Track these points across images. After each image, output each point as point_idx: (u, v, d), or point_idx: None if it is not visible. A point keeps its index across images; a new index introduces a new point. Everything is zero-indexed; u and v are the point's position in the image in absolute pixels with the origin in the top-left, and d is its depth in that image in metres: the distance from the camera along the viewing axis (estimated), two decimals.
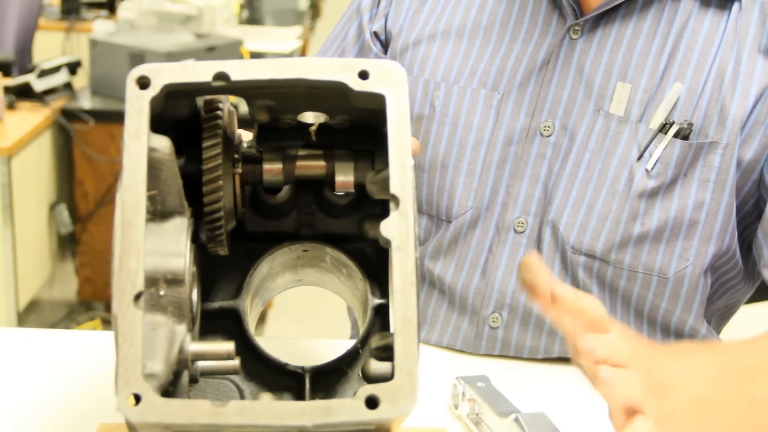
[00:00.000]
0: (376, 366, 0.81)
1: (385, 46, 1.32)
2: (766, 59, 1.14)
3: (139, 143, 0.76)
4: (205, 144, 0.83)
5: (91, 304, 3.55)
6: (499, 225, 1.23)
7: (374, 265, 0.91)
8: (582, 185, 1.19)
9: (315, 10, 7.49)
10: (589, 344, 0.78)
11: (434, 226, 1.28)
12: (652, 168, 1.16)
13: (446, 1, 1.28)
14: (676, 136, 1.15)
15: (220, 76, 0.78)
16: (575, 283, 1.21)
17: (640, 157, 1.17)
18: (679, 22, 1.17)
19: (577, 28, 1.20)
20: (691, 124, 1.15)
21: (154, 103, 0.77)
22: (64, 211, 3.39)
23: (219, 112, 0.84)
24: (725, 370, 0.89)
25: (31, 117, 3.15)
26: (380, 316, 0.89)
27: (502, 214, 1.23)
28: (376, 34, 1.32)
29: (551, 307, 0.84)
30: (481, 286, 1.25)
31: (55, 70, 3.38)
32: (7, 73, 3.31)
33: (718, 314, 1.29)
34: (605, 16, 1.19)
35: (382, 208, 0.77)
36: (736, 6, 1.16)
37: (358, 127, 0.89)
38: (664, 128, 1.16)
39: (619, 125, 1.18)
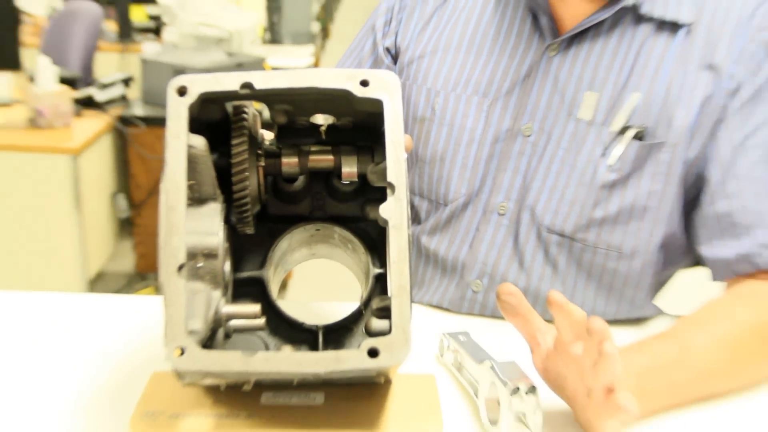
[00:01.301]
0: (377, 323, 0.81)
1: (395, 58, 1.32)
2: (706, 75, 1.14)
3: (179, 142, 0.75)
4: (234, 142, 0.83)
5: (146, 274, 3.56)
6: (485, 208, 1.23)
7: (374, 241, 0.91)
8: (555, 177, 1.19)
9: (325, 32, 7.49)
10: (598, 325, 0.82)
11: (433, 207, 1.27)
12: (613, 164, 1.16)
13: (446, 22, 1.28)
14: (633, 137, 1.15)
15: (246, 85, 0.77)
16: (547, 256, 1.21)
17: (603, 155, 1.16)
18: (638, 43, 1.17)
19: (554, 46, 1.19)
20: (645, 128, 1.15)
21: (191, 108, 0.77)
22: (122, 200, 3.39)
23: (245, 116, 0.84)
24: (649, 367, 0.98)
25: (93, 123, 3.14)
26: (379, 283, 0.89)
27: (489, 199, 1.23)
28: (387, 49, 1.32)
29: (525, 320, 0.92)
30: (467, 257, 1.25)
31: (113, 84, 3.38)
32: (74, 87, 3.31)
33: (659, 283, 1.29)
34: (577, 37, 1.18)
35: (380, 194, 0.76)
36: (683, 31, 1.15)
37: (360, 126, 0.88)
38: (623, 131, 1.16)
39: (587, 128, 1.17)
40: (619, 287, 1.22)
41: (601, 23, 1.18)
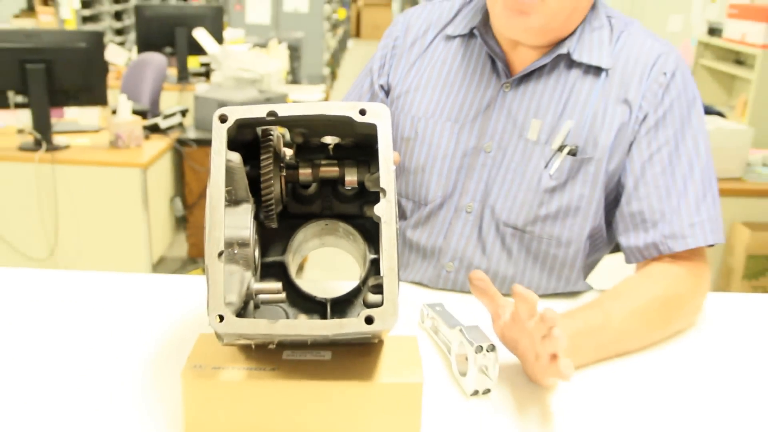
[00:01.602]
0: (372, 297, 0.80)
1: (387, 93, 1.31)
2: (621, 107, 1.14)
3: (221, 157, 0.74)
4: (262, 157, 0.82)
5: (196, 259, 3.54)
6: (456, 207, 1.22)
7: (370, 233, 0.89)
8: (509, 183, 1.18)
9: (333, 75, 7.50)
10: (550, 314, 0.80)
11: (416, 207, 1.26)
12: (553, 173, 1.15)
13: (426, 65, 1.26)
14: (568, 153, 1.14)
15: (271, 113, 0.76)
16: (504, 244, 1.20)
17: (546, 167, 1.15)
18: (570, 83, 1.16)
19: (507, 84, 1.18)
20: (576, 146, 1.14)
21: (230, 131, 0.76)
22: (178, 202, 3.38)
23: (271, 137, 0.82)
24: (579, 330, 0.97)
25: (158, 144, 3.13)
26: (374, 266, 0.87)
27: (459, 200, 1.21)
28: (381, 86, 1.30)
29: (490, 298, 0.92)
30: (443, 245, 1.23)
31: (173, 114, 3.36)
32: (144, 117, 3.30)
33: (588, 265, 1.28)
34: (525, 78, 1.18)
35: (375, 197, 0.75)
36: (603, 75, 1.15)
37: (360, 145, 0.87)
38: (560, 148, 1.15)
39: (533, 146, 1.16)
40: (558, 268, 1.21)
41: (543, 67, 1.17)
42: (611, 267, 1.34)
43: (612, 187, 1.16)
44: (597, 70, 1.16)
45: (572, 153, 1.14)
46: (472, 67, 1.23)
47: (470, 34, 1.24)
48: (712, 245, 1.13)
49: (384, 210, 0.74)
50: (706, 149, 1.14)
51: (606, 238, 1.23)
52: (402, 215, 1.30)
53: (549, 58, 1.16)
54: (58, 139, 2.98)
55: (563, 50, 1.15)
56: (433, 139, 1.22)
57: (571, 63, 1.17)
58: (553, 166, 1.15)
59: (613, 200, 1.18)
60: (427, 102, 1.24)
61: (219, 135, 0.75)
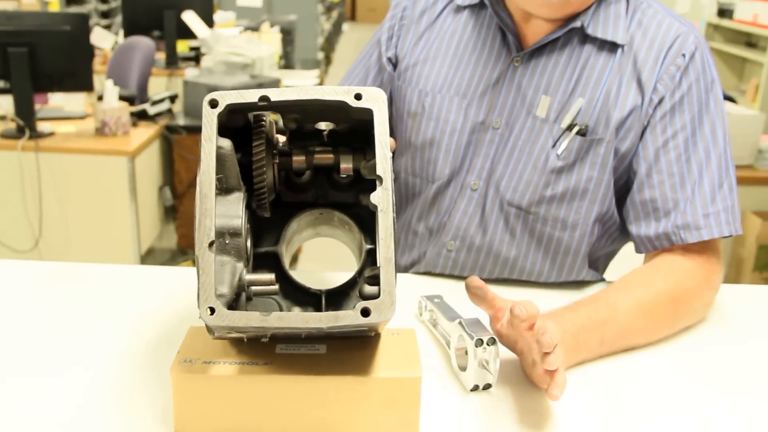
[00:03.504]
0: (368, 289, 0.80)
1: (395, 66, 1.31)
2: (635, 88, 1.13)
3: (211, 144, 0.74)
4: (254, 144, 0.81)
5: (186, 250, 3.54)
6: (462, 185, 1.22)
7: (366, 222, 0.89)
8: (515, 162, 1.18)
9: (327, 59, 7.48)
10: (547, 340, 0.81)
11: (423, 184, 1.26)
12: (561, 153, 1.15)
13: (434, 37, 1.26)
14: (577, 133, 1.14)
15: (263, 98, 0.76)
16: (507, 225, 1.20)
17: (553, 146, 1.16)
18: (584, 58, 1.16)
19: (518, 58, 1.18)
20: (587, 126, 1.14)
21: (220, 117, 0.75)
22: (167, 191, 3.38)
23: (263, 123, 0.82)
24: (583, 325, 0.98)
25: (146, 131, 3.13)
26: (370, 256, 0.87)
27: (465, 178, 1.22)
28: (389, 59, 1.30)
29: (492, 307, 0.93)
30: (447, 224, 1.24)
31: (162, 100, 3.36)
32: (132, 103, 3.29)
33: (605, 256, 1.29)
34: (537, 52, 1.17)
35: (371, 185, 0.75)
36: (619, 51, 1.15)
37: (355, 131, 0.87)
38: (569, 128, 1.15)
39: (541, 124, 1.16)
40: (562, 253, 1.20)
41: (555, 41, 1.17)
42: (621, 257, 1.34)
43: (621, 172, 1.16)
44: (612, 46, 1.15)
45: (582, 133, 1.14)
46: (482, 40, 1.23)
47: (481, 4, 1.24)
48: (727, 236, 1.12)
49: (380, 198, 0.73)
50: (724, 135, 1.14)
51: (620, 227, 1.22)
52: (409, 194, 1.30)
53: (562, 31, 1.15)
54: (42, 126, 2.97)
55: (577, 24, 1.14)
56: (440, 115, 1.23)
57: (585, 38, 1.16)
58: (561, 145, 1.15)
59: (623, 185, 1.18)
60: (435, 76, 1.25)
61: (209, 121, 0.75)
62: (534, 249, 1.21)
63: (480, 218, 1.21)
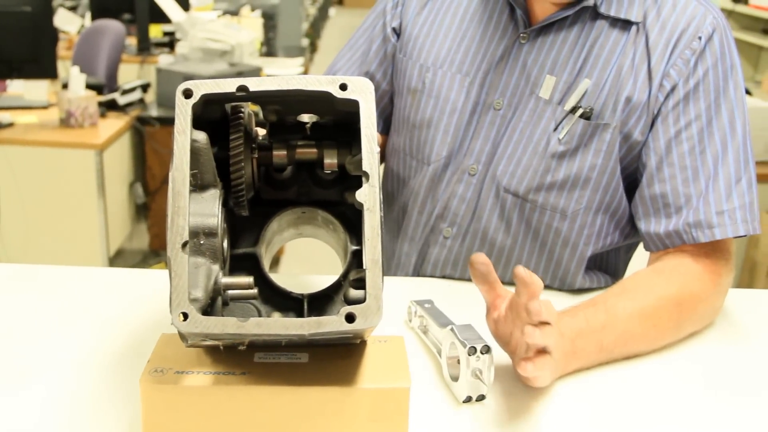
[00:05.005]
0: (354, 293, 0.80)
1: (399, 37, 1.32)
2: (645, 72, 1.13)
3: (185, 137, 0.74)
4: (232, 137, 0.82)
5: (159, 252, 3.54)
6: (460, 169, 1.23)
7: (351, 222, 0.90)
8: (515, 145, 1.19)
9: (312, 46, 7.48)
10: (536, 307, 0.82)
11: (419, 166, 1.28)
12: (562, 137, 1.16)
13: (438, 8, 1.28)
14: (581, 116, 1.15)
15: (242, 88, 0.76)
16: (503, 213, 1.21)
17: (555, 129, 1.16)
18: (593, 36, 1.16)
19: (525, 35, 1.19)
20: (592, 109, 1.15)
21: (195, 108, 0.75)
22: (139, 188, 3.38)
23: (242, 114, 0.82)
24: (581, 330, 0.98)
25: (116, 122, 3.13)
26: (356, 258, 0.87)
27: (463, 161, 1.23)
28: (394, 29, 1.32)
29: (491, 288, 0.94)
30: (444, 210, 1.25)
31: (133, 89, 3.35)
32: (100, 92, 3.29)
33: (624, 248, 1.30)
34: (545, 29, 1.18)
35: (357, 182, 0.75)
36: (633, 29, 1.15)
37: (340, 124, 0.87)
38: (574, 110, 1.15)
39: (545, 105, 1.17)
40: (557, 246, 1.21)
41: (564, 18, 1.18)
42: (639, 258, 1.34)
43: (630, 161, 1.16)
44: (624, 24, 1.15)
45: (586, 116, 1.15)
46: (488, 14, 1.24)
47: None
48: (743, 236, 1.11)
49: (367, 196, 0.74)
50: (744, 126, 1.13)
51: (627, 219, 1.22)
52: (405, 176, 1.31)
53: (573, 9, 1.16)
54: (0, 116, 2.96)
55: (590, 2, 1.15)
56: (441, 92, 1.24)
57: (596, 15, 1.17)
58: (563, 129, 1.16)
59: (632, 176, 1.18)
60: (437, 50, 1.26)
61: (183, 112, 0.75)
62: (529, 242, 1.22)
63: (475, 205, 1.23)
